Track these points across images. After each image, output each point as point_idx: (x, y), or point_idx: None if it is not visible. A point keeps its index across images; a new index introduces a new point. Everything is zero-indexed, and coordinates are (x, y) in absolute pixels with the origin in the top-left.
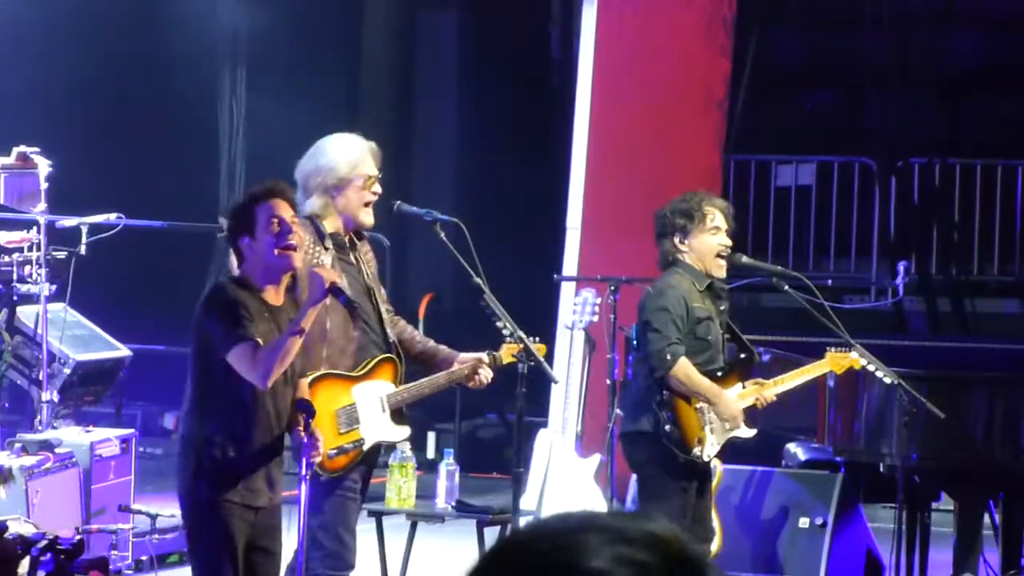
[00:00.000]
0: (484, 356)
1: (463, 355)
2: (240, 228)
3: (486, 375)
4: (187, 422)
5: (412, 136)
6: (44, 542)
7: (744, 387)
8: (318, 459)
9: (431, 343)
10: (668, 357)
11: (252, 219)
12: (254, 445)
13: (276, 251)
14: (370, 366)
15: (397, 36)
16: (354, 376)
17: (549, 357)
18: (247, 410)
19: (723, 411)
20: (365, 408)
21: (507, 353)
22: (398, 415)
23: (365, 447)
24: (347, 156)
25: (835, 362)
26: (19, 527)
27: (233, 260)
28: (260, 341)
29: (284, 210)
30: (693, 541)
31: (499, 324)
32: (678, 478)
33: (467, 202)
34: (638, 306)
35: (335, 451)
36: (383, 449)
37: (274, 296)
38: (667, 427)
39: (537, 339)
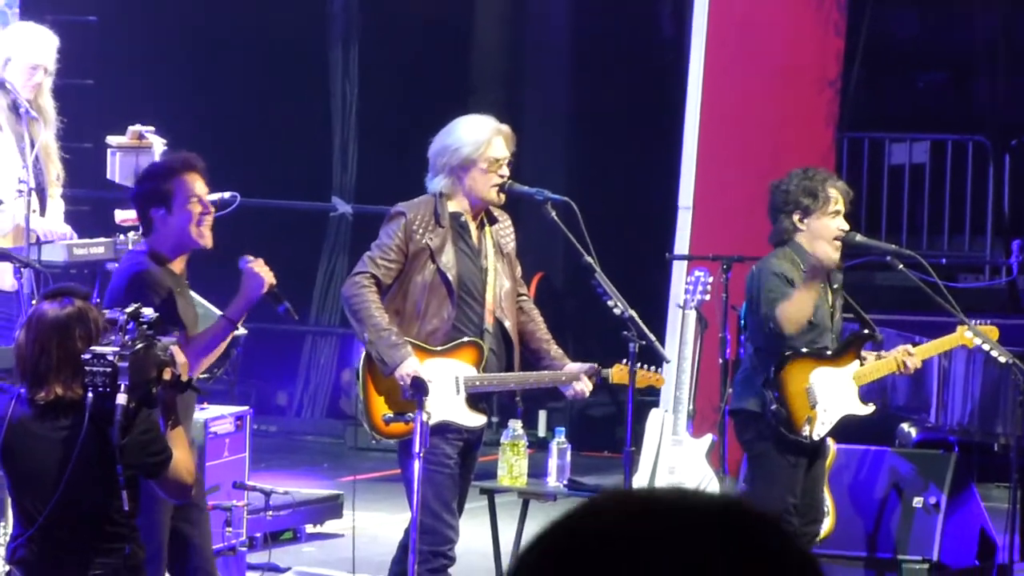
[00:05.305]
0: (589, 368)
1: (571, 364)
2: (155, 199)
3: (585, 387)
4: None
5: (522, 115)
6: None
7: (862, 364)
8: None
9: (552, 344)
10: (771, 325)
11: (170, 192)
12: None
13: (194, 229)
14: (451, 345)
15: (508, 15)
16: (431, 350)
17: (660, 336)
18: None
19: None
20: (435, 383)
21: (616, 374)
22: (476, 401)
23: (429, 422)
24: (473, 137)
25: (964, 336)
26: None
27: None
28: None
29: (202, 187)
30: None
31: (610, 303)
32: (786, 456)
33: (578, 181)
34: (745, 287)
35: (392, 416)
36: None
37: (178, 265)
38: (773, 407)
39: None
